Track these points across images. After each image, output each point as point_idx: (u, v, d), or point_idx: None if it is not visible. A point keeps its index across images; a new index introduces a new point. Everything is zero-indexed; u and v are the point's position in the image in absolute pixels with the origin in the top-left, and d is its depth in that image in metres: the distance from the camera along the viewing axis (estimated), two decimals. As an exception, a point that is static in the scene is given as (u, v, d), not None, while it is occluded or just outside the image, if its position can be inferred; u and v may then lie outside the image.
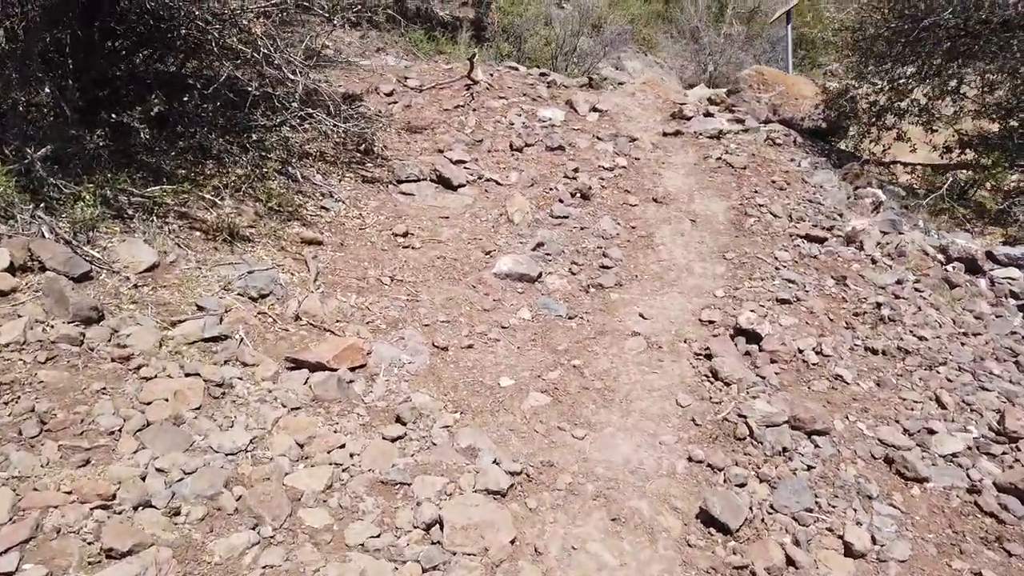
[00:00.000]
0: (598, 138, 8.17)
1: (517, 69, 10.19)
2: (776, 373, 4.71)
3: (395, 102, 8.52)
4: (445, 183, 6.96)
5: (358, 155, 7.23)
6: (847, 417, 4.37)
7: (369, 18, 11.65)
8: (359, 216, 6.36)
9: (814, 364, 4.81)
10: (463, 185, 7.00)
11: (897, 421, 4.35)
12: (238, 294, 4.91)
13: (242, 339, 4.51)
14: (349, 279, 5.46)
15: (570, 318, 5.33)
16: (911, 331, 5.27)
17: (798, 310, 5.43)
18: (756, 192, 7.17)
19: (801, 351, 4.91)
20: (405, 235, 6.16)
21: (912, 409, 4.47)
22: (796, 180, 7.56)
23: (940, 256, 6.60)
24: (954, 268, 6.49)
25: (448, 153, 7.45)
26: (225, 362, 4.26)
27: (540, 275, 5.76)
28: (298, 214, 6.06)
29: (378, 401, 4.21)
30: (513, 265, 5.71)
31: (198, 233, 5.40)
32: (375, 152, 7.23)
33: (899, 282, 5.89)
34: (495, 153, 7.70)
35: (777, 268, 5.96)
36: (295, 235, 5.76)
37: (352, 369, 4.40)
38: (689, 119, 8.90)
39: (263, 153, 6.47)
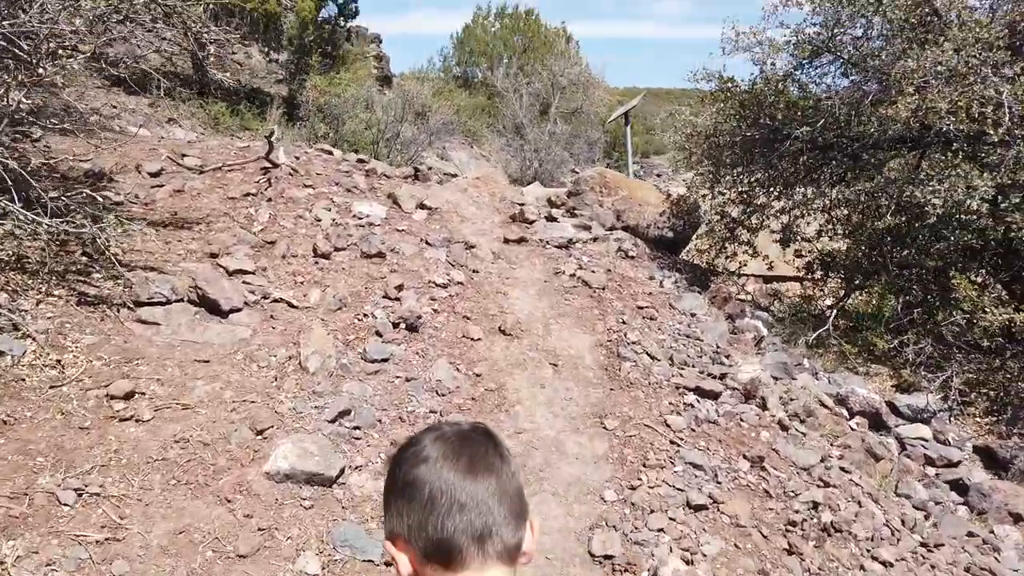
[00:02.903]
0: (427, 243, 6.00)
1: (331, 153, 7.87)
2: (727, 671, 2.66)
3: (161, 185, 5.92)
4: (211, 306, 4.43)
5: (82, 261, 4.56)
6: None
7: (158, 83, 8.90)
8: (57, 363, 3.69)
9: (774, 641, 2.82)
10: (238, 309, 4.50)
11: None
12: None
13: None
14: (-5, 498, 2.82)
15: (388, 565, 2.99)
16: (868, 551, 3.46)
17: (719, 522, 3.45)
18: (624, 323, 5.27)
19: (751, 615, 2.91)
20: (129, 397, 3.58)
21: None
22: (663, 305, 5.79)
23: (843, 410, 5.03)
24: (858, 424, 4.97)
25: (224, 259, 4.96)
26: None
27: (341, 472, 3.36)
28: (-62, 364, 3.34)
29: None
30: (297, 458, 3.28)
31: None
32: (108, 257, 4.58)
33: (823, 460, 4.15)
34: (292, 260, 5.30)
35: (674, 443, 4.00)
36: (-86, 408, 3.06)
37: None
38: (532, 223, 6.99)
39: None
